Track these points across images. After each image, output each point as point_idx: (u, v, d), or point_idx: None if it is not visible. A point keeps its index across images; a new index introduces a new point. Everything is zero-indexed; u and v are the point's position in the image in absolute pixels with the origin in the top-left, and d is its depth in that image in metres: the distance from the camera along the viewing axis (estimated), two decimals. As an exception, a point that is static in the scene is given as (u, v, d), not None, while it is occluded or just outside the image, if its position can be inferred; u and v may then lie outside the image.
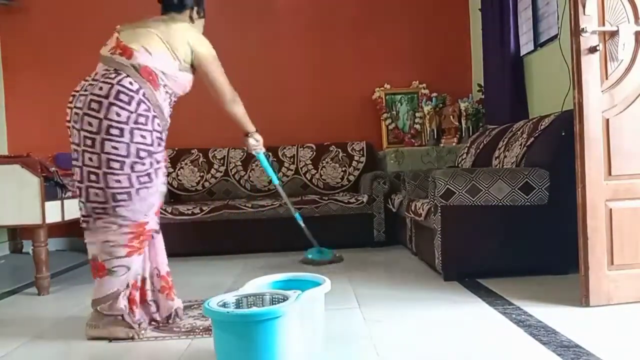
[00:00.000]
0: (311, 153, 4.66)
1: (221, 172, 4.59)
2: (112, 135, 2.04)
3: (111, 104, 2.05)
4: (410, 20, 4.93)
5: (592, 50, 2.18)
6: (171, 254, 3.89)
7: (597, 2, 2.19)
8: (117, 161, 2.05)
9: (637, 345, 1.80)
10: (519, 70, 3.93)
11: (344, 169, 4.58)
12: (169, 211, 3.93)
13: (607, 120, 2.21)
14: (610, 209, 2.21)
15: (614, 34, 2.21)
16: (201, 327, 2.17)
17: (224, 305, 1.67)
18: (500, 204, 2.74)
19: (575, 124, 2.21)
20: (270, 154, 4.41)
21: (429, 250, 2.99)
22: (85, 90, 2.14)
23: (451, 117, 4.64)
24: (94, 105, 2.07)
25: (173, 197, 4.51)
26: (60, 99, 4.80)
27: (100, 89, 2.09)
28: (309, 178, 4.57)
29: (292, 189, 4.52)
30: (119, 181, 2.06)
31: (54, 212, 2.96)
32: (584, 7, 2.17)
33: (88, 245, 2.17)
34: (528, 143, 3.03)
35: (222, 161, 4.63)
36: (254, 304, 1.73)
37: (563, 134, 2.72)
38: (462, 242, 2.79)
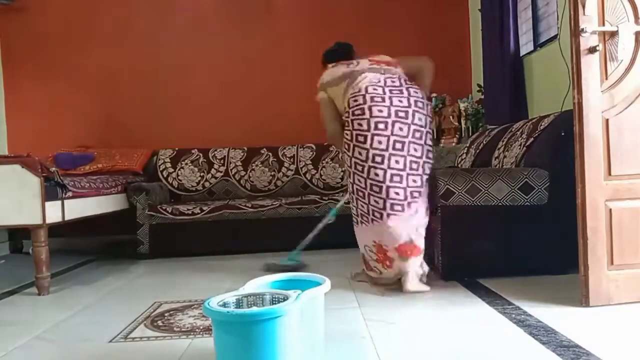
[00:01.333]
0: (311, 153, 4.66)
1: (221, 172, 4.60)
2: (429, 129, 2.70)
3: (427, 104, 2.74)
4: (411, 21, 4.94)
5: (592, 50, 2.18)
6: (171, 253, 3.92)
7: (597, 2, 2.19)
8: (430, 151, 2.68)
9: (637, 345, 1.80)
10: (519, 70, 3.94)
11: (344, 169, 4.57)
12: (169, 211, 3.93)
13: (607, 120, 2.21)
14: (610, 209, 2.21)
15: (613, 34, 2.21)
16: (201, 327, 2.17)
17: (224, 305, 1.67)
18: (500, 204, 2.75)
19: (575, 124, 2.21)
20: None
21: (428, 250, 2.99)
22: (401, 92, 2.68)
23: (451, 117, 4.65)
24: (421, 104, 2.67)
25: (173, 197, 4.51)
26: (60, 99, 4.85)
27: (416, 92, 2.71)
28: (309, 178, 4.57)
29: (292, 189, 4.53)
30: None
31: (54, 212, 2.95)
32: (583, 7, 2.17)
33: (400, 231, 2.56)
34: (528, 143, 3.03)
35: (222, 161, 4.63)
36: (254, 304, 1.73)
37: (563, 134, 2.72)
38: (462, 242, 2.79)
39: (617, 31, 2.20)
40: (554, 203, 2.74)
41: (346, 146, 2.66)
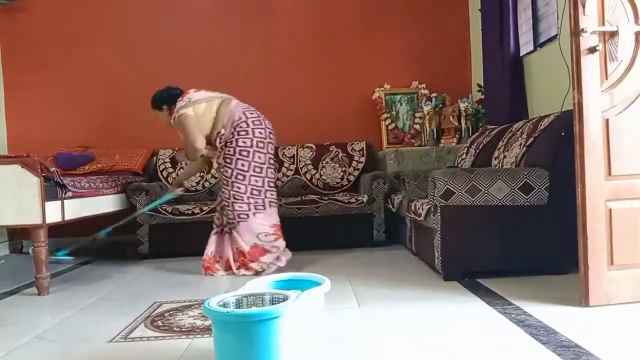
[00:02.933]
0: (311, 153, 4.66)
1: (221, 172, 4.59)
2: None
3: None
4: (410, 20, 4.94)
5: (592, 50, 2.18)
6: (171, 253, 3.92)
7: (597, 2, 2.19)
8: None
9: (637, 345, 1.80)
10: (519, 70, 3.94)
11: (344, 169, 4.57)
12: (169, 211, 3.93)
13: (607, 120, 2.21)
14: (610, 209, 2.21)
15: (613, 34, 2.21)
16: (201, 327, 2.17)
17: (224, 305, 1.68)
18: (499, 204, 2.75)
19: (575, 124, 2.21)
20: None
21: (428, 250, 3.00)
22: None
23: (451, 117, 4.64)
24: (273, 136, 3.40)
25: (173, 197, 4.51)
26: (60, 99, 4.86)
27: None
28: (309, 178, 4.57)
29: (292, 189, 4.53)
30: None
31: (54, 212, 2.95)
32: (583, 7, 2.17)
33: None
34: (527, 143, 3.03)
35: (222, 161, 4.63)
36: (254, 304, 1.73)
37: (562, 134, 2.72)
38: (462, 242, 2.79)
39: (617, 31, 2.20)
40: (554, 203, 2.74)
41: (244, 153, 3.22)
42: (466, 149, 4.06)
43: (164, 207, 3.96)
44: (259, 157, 3.25)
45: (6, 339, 2.14)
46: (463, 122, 4.63)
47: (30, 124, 4.81)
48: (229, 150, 3.24)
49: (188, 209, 3.96)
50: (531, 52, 3.87)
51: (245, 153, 3.22)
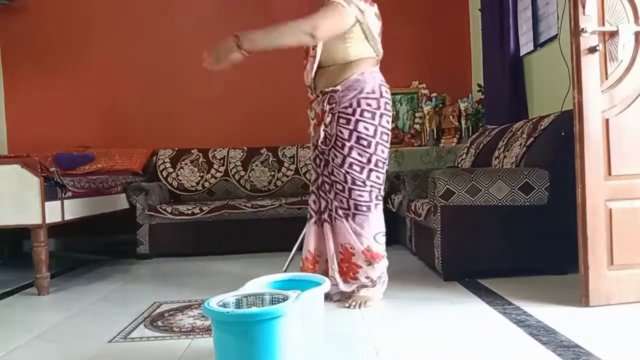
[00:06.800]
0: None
1: (221, 172, 4.60)
2: None
3: None
4: (410, 20, 4.94)
5: (592, 50, 2.18)
6: (171, 254, 3.93)
7: (597, 2, 2.19)
8: None
9: (637, 345, 1.80)
10: (519, 70, 3.94)
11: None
12: (169, 211, 3.93)
13: (607, 120, 2.21)
14: (610, 209, 2.20)
15: (613, 34, 2.21)
16: (201, 327, 2.17)
17: (224, 305, 1.67)
18: (500, 204, 2.75)
19: (575, 124, 2.21)
20: None
21: (428, 250, 2.99)
22: None
23: (451, 117, 4.65)
24: None
25: (173, 197, 4.51)
26: (60, 98, 4.86)
27: None
28: (309, 178, 4.57)
29: (292, 189, 4.53)
30: None
31: (54, 212, 2.95)
32: (583, 7, 2.17)
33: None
34: (528, 143, 3.03)
35: (222, 161, 4.63)
36: (254, 304, 1.73)
37: (563, 134, 2.72)
38: (462, 242, 2.79)
39: (617, 31, 2.20)
40: (554, 203, 2.74)
41: (364, 142, 2.39)
42: (466, 149, 4.06)
43: (163, 207, 3.96)
44: (382, 152, 2.43)
45: (6, 339, 2.14)
46: (463, 122, 4.63)
47: (30, 124, 4.82)
48: (341, 132, 2.43)
49: (188, 209, 3.95)
50: (531, 52, 3.87)
51: (365, 143, 2.39)
